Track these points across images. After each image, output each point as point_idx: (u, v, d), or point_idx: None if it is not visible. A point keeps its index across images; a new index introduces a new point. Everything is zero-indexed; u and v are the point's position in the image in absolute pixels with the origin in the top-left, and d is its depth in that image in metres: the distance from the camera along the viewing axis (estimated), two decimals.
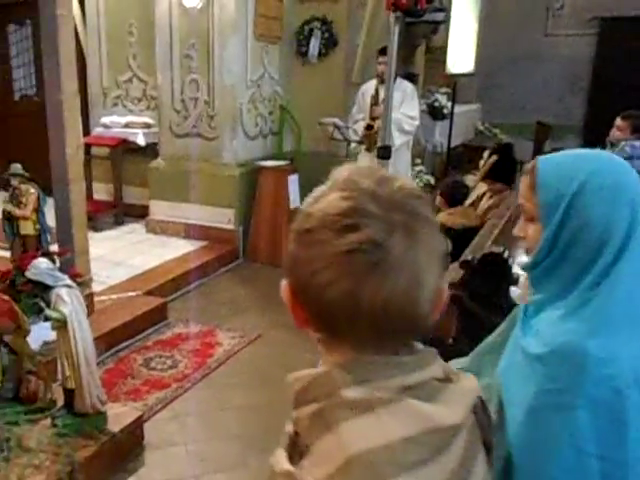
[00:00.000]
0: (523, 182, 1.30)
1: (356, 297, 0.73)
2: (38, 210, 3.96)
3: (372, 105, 5.81)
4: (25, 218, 3.93)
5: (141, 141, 6.85)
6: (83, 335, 2.92)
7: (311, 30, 6.86)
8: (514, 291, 2.71)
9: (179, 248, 6.18)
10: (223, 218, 6.36)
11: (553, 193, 1.22)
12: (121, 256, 5.89)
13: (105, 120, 7.05)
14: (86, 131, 6.48)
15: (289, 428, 0.81)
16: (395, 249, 0.73)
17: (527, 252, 1.34)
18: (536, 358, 1.16)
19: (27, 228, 3.96)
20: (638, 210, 1.18)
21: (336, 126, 5.90)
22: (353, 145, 6.08)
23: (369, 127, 5.78)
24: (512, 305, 1.67)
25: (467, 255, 3.05)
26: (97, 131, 7.11)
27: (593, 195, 1.18)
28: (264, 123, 6.90)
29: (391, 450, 0.71)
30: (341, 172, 0.81)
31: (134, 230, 6.86)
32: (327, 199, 0.77)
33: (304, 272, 0.76)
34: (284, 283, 0.82)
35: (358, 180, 0.77)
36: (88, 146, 6.52)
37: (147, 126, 6.94)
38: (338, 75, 6.94)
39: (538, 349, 1.16)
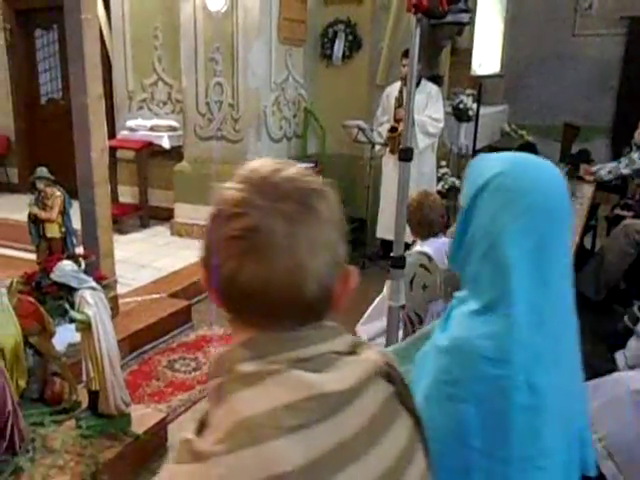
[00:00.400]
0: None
1: (238, 279, 0.80)
2: (64, 213, 3.98)
3: (396, 107, 5.78)
4: (51, 221, 3.96)
5: (166, 144, 6.90)
6: (107, 337, 2.93)
7: (335, 32, 6.86)
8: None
9: None
10: None
11: (463, 192, 1.24)
12: (146, 259, 5.94)
13: (130, 123, 7.12)
14: (112, 134, 6.55)
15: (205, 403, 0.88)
16: (274, 236, 0.79)
17: None
18: (439, 350, 1.20)
19: (53, 231, 3.99)
20: (541, 216, 1.15)
21: (360, 128, 5.88)
22: (377, 147, 6.06)
23: (393, 129, 5.76)
24: None
25: None
26: (122, 134, 7.17)
27: (490, 196, 1.17)
28: (288, 126, 6.91)
29: (274, 415, 0.77)
30: (245, 165, 0.89)
31: (159, 233, 6.91)
32: (225, 190, 0.85)
33: (207, 255, 0.84)
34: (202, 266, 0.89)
35: (252, 173, 0.86)
36: (113, 149, 6.56)
37: (172, 129, 6.99)
38: (362, 77, 6.92)
39: (443, 341, 1.20)
